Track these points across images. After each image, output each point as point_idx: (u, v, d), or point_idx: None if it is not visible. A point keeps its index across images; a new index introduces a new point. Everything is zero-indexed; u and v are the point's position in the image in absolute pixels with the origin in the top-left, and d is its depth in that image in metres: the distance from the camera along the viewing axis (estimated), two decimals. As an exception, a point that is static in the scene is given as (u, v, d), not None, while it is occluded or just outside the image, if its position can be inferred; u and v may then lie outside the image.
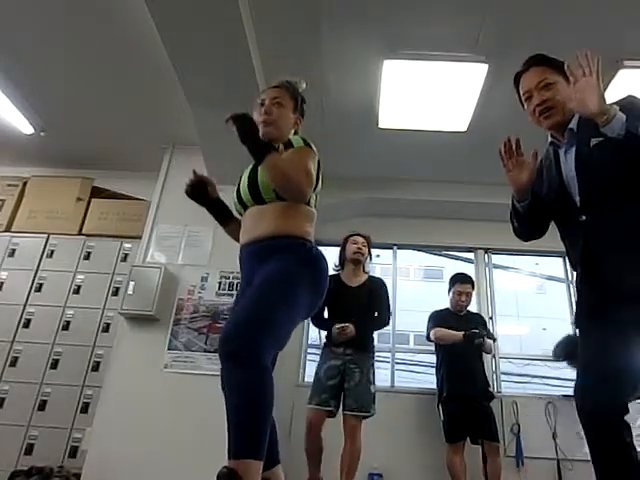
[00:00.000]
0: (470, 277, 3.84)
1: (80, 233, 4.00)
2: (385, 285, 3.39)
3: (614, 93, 1.49)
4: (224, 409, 1.34)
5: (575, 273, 1.62)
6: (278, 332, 1.47)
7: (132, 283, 3.39)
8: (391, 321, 3.41)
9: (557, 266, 4.61)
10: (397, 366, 4.35)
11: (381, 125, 3.72)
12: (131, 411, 3.13)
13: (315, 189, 1.70)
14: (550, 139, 1.68)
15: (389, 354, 4.36)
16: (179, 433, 3.03)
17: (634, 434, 1.36)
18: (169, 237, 3.72)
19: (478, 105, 3.41)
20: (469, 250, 4.72)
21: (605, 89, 1.42)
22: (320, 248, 1.67)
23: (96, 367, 3.53)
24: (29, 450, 3.32)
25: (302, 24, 2.79)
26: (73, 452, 3.29)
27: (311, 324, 3.79)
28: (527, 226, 1.74)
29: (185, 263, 3.64)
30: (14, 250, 3.92)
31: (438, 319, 3.70)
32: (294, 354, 4.12)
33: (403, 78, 3.23)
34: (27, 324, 3.68)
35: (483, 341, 3.51)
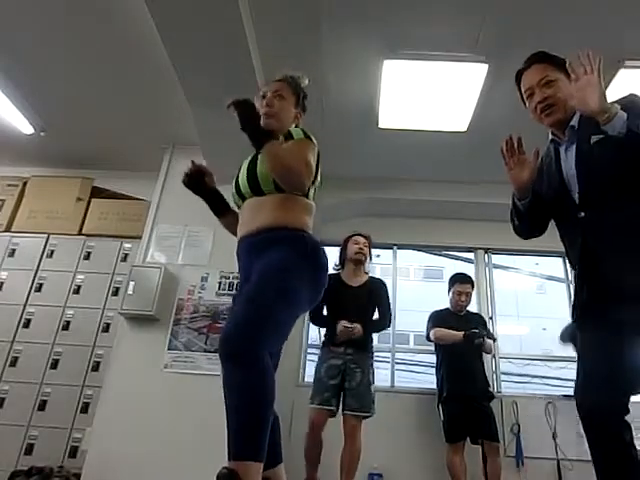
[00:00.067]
0: (470, 277, 3.84)
1: (80, 233, 4.00)
2: (385, 286, 3.39)
3: (615, 93, 1.48)
4: (224, 409, 1.33)
5: (574, 272, 1.62)
6: (278, 329, 1.46)
7: (132, 283, 3.39)
8: (391, 321, 3.41)
9: (557, 266, 4.61)
10: (397, 366, 4.35)
11: (381, 125, 3.72)
12: (131, 411, 3.13)
13: (314, 182, 1.68)
14: (551, 137, 1.68)
15: (389, 354, 4.36)
16: (179, 433, 3.03)
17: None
18: (169, 237, 3.72)
19: (478, 105, 3.41)
20: (469, 250, 4.72)
21: (606, 89, 1.41)
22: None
23: (96, 367, 3.53)
24: (29, 450, 3.32)
25: (302, 24, 2.79)
26: (73, 452, 3.29)
27: (311, 323, 3.79)
28: (527, 224, 1.74)
29: (185, 263, 3.64)
30: (14, 250, 3.92)
31: (438, 319, 3.70)
32: (294, 354, 4.12)
33: (403, 78, 3.23)
34: (27, 324, 3.68)
35: (483, 341, 3.51)
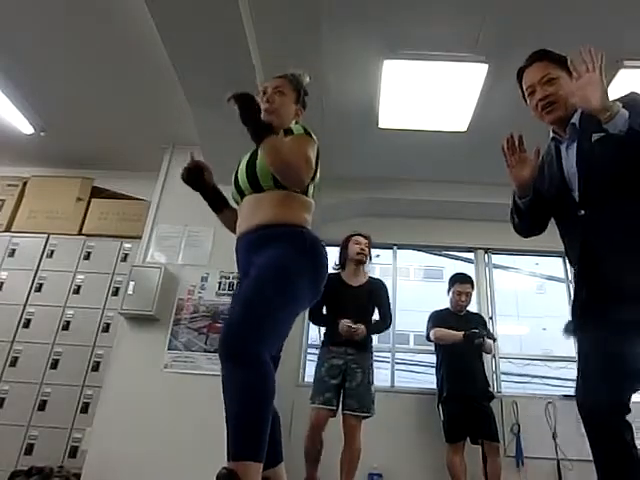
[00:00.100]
0: (469, 277, 3.84)
1: (80, 233, 4.00)
2: (386, 287, 3.40)
3: (615, 93, 1.48)
4: (224, 409, 1.32)
5: (574, 270, 1.62)
6: (278, 327, 1.44)
7: (132, 283, 3.39)
8: (392, 322, 3.41)
9: (557, 266, 4.62)
10: (397, 366, 4.35)
11: (381, 125, 3.72)
12: (131, 411, 3.13)
13: (313, 179, 1.67)
14: (552, 134, 1.67)
15: (389, 354, 4.36)
16: (179, 433, 3.03)
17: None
18: (169, 237, 3.72)
19: (478, 105, 3.41)
20: (469, 250, 4.73)
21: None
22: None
23: (96, 367, 3.53)
24: (29, 450, 3.32)
25: (302, 24, 2.79)
26: (73, 452, 3.29)
27: (311, 323, 3.79)
28: (528, 222, 1.74)
29: (185, 263, 3.64)
30: (14, 250, 3.92)
31: (438, 319, 3.70)
32: (294, 354, 4.12)
33: (403, 78, 3.23)
34: (27, 324, 3.68)
35: (483, 341, 3.51)
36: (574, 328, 1.57)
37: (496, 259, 4.71)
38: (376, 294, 3.30)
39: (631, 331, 1.40)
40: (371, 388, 3.06)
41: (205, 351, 3.33)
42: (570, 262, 1.66)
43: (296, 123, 1.79)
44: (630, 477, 1.34)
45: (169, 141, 3.98)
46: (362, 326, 3.06)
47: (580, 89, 1.43)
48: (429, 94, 3.37)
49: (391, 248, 4.71)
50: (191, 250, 3.67)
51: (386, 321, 3.28)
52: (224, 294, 3.50)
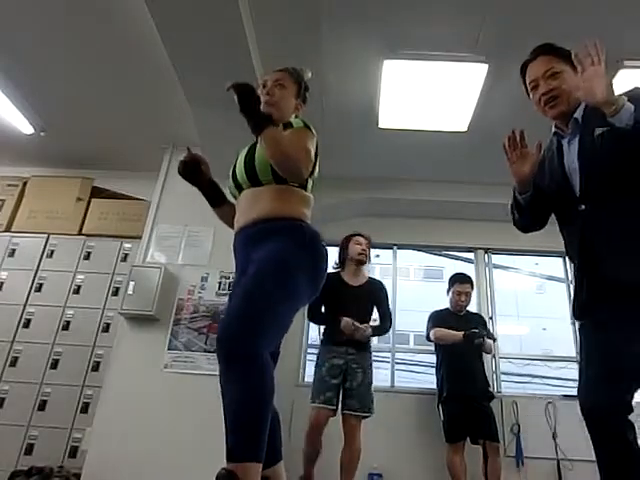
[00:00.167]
0: (469, 277, 3.84)
1: (80, 233, 3.99)
2: (385, 288, 3.40)
3: (615, 92, 1.47)
4: (222, 408, 1.30)
5: (573, 266, 1.61)
6: (277, 323, 1.42)
7: (132, 283, 3.39)
8: (392, 324, 3.41)
9: (557, 266, 4.62)
10: (397, 366, 4.35)
11: (381, 125, 3.72)
12: (131, 411, 3.13)
13: (312, 173, 1.65)
14: (554, 129, 1.66)
15: (389, 354, 4.36)
16: (179, 433, 3.03)
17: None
18: (169, 237, 3.72)
19: (478, 105, 3.41)
20: (469, 250, 4.73)
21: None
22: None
23: (96, 367, 3.53)
24: (29, 450, 3.32)
25: (302, 24, 2.79)
26: (73, 452, 3.29)
27: (310, 322, 3.79)
28: (528, 218, 1.73)
29: (185, 263, 3.64)
30: (14, 250, 3.92)
31: (438, 319, 3.70)
32: (294, 354, 4.12)
33: (403, 78, 3.23)
34: (27, 324, 3.68)
35: (483, 341, 3.51)
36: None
37: (496, 259, 4.71)
38: (376, 295, 3.30)
39: (631, 329, 1.39)
40: (371, 388, 3.06)
41: (205, 351, 3.33)
42: (570, 257, 1.65)
43: (296, 117, 1.77)
44: (633, 477, 1.34)
45: (169, 141, 3.98)
46: (370, 329, 3.07)
47: (585, 82, 1.41)
48: (429, 94, 3.37)
49: (391, 248, 4.71)
50: (191, 250, 3.67)
51: (386, 323, 3.28)
52: (224, 294, 3.50)
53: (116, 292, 3.73)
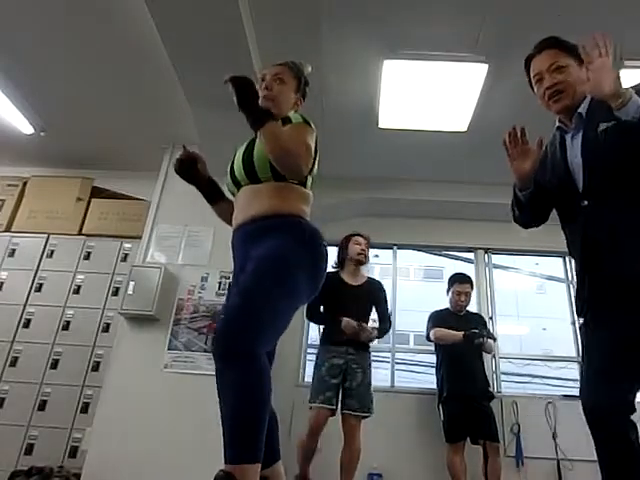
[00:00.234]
0: (469, 277, 3.84)
1: (80, 233, 4.00)
2: (384, 289, 3.40)
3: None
4: (219, 409, 1.29)
5: (575, 263, 1.60)
6: (276, 321, 1.39)
7: (132, 283, 3.39)
8: (391, 325, 3.41)
9: (557, 266, 4.62)
10: (397, 366, 4.35)
11: (381, 125, 3.72)
12: (131, 411, 3.13)
13: (312, 170, 1.63)
14: (557, 124, 1.65)
15: (389, 354, 4.35)
16: (179, 433, 3.03)
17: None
18: (169, 237, 3.72)
19: (478, 105, 3.41)
20: (469, 250, 4.72)
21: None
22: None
23: (96, 367, 3.53)
24: (29, 450, 3.32)
25: (302, 24, 2.79)
26: (73, 452, 3.29)
27: (308, 320, 3.78)
28: (528, 215, 1.72)
29: (185, 263, 3.64)
30: (14, 250, 3.92)
31: (438, 319, 3.70)
32: (294, 354, 4.12)
33: (403, 78, 3.23)
34: (27, 324, 3.68)
35: (483, 341, 3.51)
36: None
37: (496, 259, 4.71)
38: (375, 295, 3.31)
39: (631, 328, 1.38)
40: (370, 388, 3.06)
41: (205, 351, 3.32)
42: (571, 255, 1.63)
43: (295, 112, 1.73)
44: (635, 477, 1.33)
45: (169, 141, 3.97)
46: (375, 331, 3.07)
47: (593, 73, 1.39)
48: (429, 94, 3.37)
49: (391, 248, 4.71)
50: (191, 250, 3.67)
51: (386, 324, 3.29)
52: (224, 294, 3.49)
53: (116, 292, 3.73)
